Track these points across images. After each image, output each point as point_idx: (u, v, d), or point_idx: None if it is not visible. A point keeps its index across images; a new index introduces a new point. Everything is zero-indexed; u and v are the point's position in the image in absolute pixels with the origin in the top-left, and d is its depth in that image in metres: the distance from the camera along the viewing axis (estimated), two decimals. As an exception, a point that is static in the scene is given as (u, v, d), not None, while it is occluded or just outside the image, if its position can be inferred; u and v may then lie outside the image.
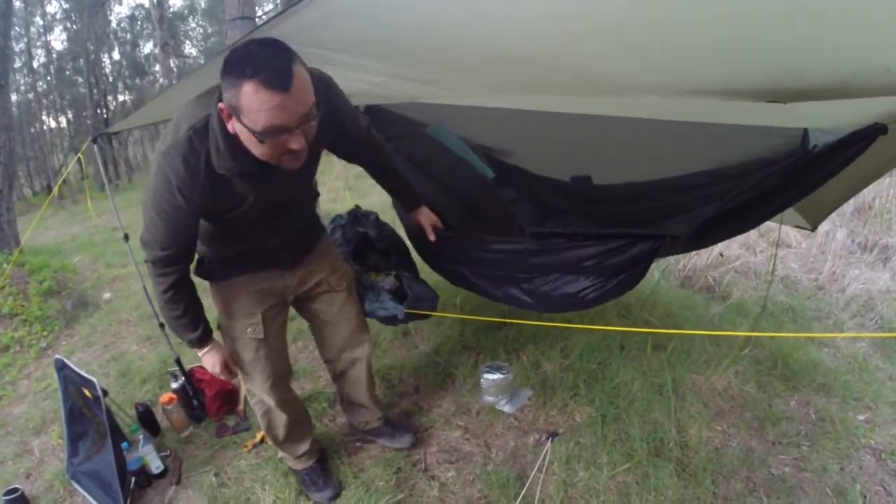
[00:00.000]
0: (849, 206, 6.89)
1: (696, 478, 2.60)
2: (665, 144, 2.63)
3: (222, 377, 2.24)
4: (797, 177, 2.04)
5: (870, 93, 1.55)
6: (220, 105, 1.49)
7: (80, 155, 3.59)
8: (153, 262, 1.85)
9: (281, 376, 2.37)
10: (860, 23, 1.05)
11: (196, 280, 2.04)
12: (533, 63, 1.58)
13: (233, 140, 1.56)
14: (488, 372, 3.10)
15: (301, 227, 2.24)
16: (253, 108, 1.39)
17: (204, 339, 2.11)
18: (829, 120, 2.06)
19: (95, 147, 3.04)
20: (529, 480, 2.57)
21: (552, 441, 2.80)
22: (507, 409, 3.06)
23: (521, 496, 2.50)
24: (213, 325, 2.16)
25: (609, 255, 2.16)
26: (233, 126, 1.51)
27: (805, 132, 2.18)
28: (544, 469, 2.64)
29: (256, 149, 1.51)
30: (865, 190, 7.02)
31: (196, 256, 2.00)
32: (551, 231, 2.55)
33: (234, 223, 1.88)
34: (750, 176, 2.16)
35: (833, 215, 6.49)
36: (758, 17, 1.10)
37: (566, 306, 2.48)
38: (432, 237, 2.53)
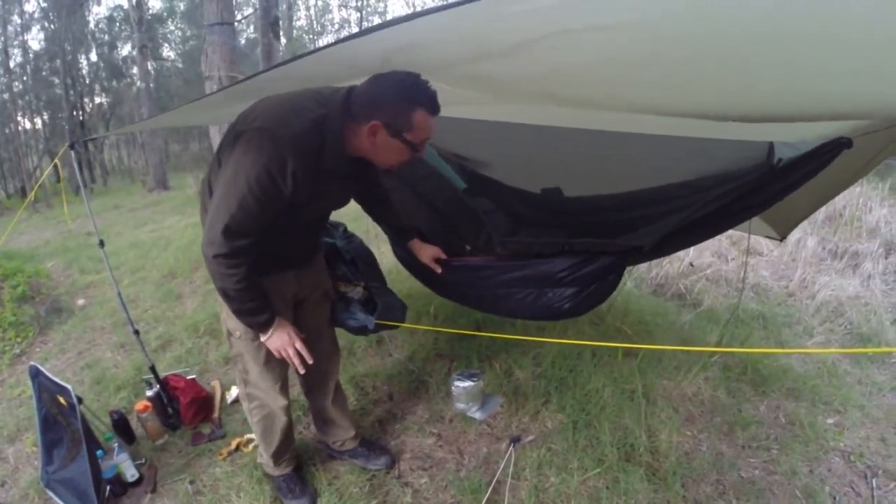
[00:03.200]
0: (820, 215, 7.04)
1: (665, 482, 2.66)
2: (635, 158, 2.70)
3: (295, 356, 2.14)
4: (761, 189, 2.09)
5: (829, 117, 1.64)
6: (373, 123, 1.77)
7: (56, 160, 3.58)
8: (228, 255, 1.81)
9: (286, 380, 2.43)
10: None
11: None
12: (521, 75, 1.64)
13: (343, 142, 1.85)
14: (459, 379, 3.15)
15: (320, 236, 2.52)
16: (420, 127, 1.78)
17: (273, 317, 2.08)
18: (794, 134, 2.12)
19: (72, 152, 3.04)
20: (493, 484, 2.62)
21: (514, 446, 2.87)
22: (478, 416, 3.11)
23: (488, 500, 2.55)
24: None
25: (581, 265, 2.23)
26: (381, 139, 1.81)
27: (771, 146, 2.24)
28: (509, 474, 2.69)
29: (397, 154, 1.87)
30: (836, 198, 7.15)
31: None
32: (523, 240, 2.60)
33: (292, 220, 1.98)
34: (716, 188, 2.22)
35: (804, 223, 6.57)
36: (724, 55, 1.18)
37: (544, 315, 2.55)
38: (439, 270, 2.62)
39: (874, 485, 2.77)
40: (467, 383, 3.10)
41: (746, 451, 2.96)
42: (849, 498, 2.69)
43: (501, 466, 2.73)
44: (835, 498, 2.68)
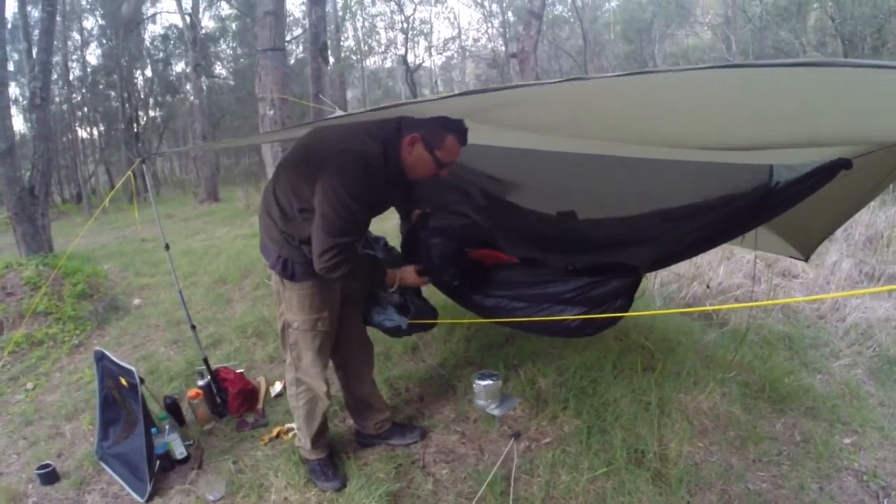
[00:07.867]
0: (861, 237, 6.90)
1: (671, 487, 2.74)
2: (646, 182, 2.88)
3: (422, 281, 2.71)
4: (758, 207, 2.23)
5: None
6: (414, 135, 2.25)
7: (130, 171, 3.94)
8: (339, 250, 2.24)
9: (327, 368, 2.78)
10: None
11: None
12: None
13: (398, 161, 2.32)
14: (480, 378, 3.38)
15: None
16: (449, 149, 2.28)
17: (385, 269, 2.59)
18: (795, 157, 2.24)
19: (144, 165, 3.41)
20: (490, 476, 2.77)
21: (515, 440, 3.08)
22: (496, 412, 3.31)
23: (502, 492, 2.73)
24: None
25: (590, 287, 2.43)
26: (417, 150, 2.28)
27: (771, 168, 2.40)
28: (514, 467, 2.86)
29: (425, 167, 2.34)
30: (878, 221, 7.09)
31: (282, 260, 2.45)
32: (531, 255, 2.80)
33: (363, 220, 2.41)
34: (717, 209, 2.38)
35: (842, 246, 6.59)
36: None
37: (551, 332, 2.82)
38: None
39: (885, 505, 2.77)
40: (487, 382, 3.31)
41: (756, 464, 3.00)
42: (857, 516, 2.69)
43: (516, 462, 2.90)
44: (842, 515, 2.68)
